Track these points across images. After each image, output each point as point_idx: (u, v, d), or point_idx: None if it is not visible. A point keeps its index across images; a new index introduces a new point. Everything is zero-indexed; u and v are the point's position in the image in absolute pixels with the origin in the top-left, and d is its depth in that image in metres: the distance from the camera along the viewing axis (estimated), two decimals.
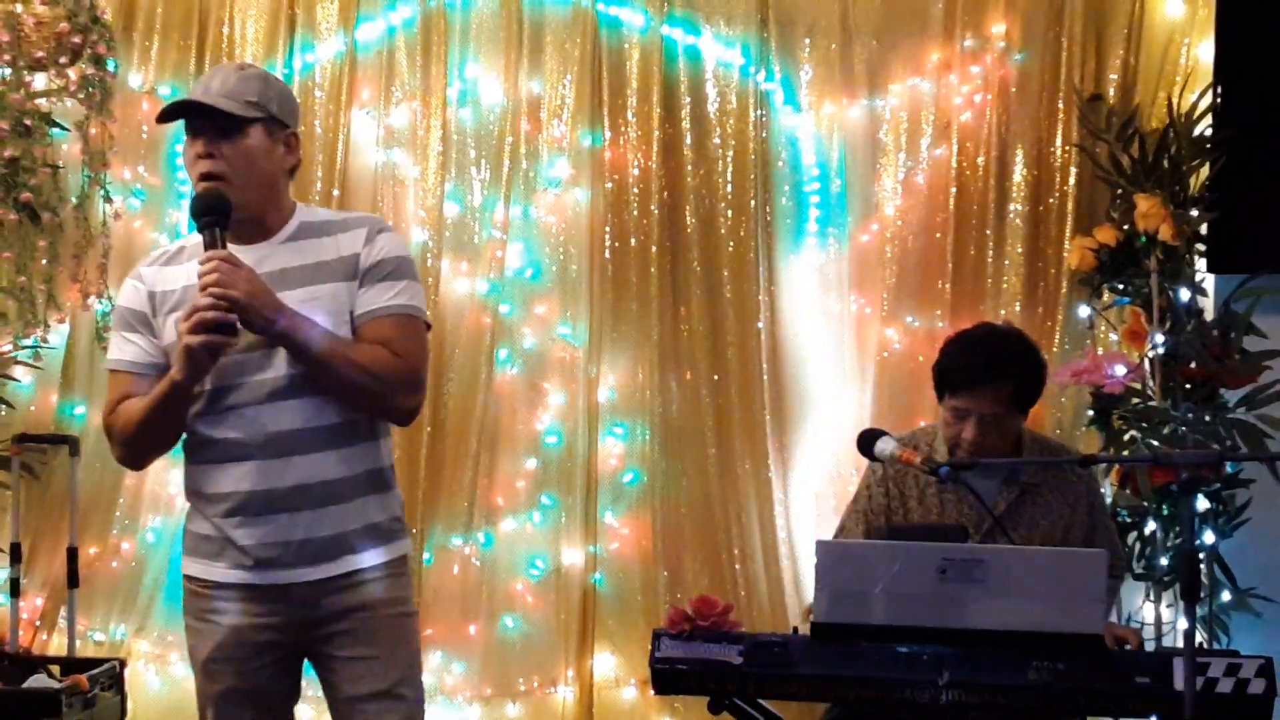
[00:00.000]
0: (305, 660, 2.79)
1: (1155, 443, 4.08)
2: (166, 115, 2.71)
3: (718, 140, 4.72)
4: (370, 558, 2.71)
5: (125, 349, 2.74)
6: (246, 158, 2.65)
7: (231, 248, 2.62)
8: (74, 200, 4.66)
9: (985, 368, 3.22)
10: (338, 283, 2.68)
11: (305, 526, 2.65)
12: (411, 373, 2.71)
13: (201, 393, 2.65)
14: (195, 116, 2.66)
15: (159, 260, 2.80)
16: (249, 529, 2.65)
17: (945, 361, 3.32)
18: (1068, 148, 4.53)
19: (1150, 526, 4.14)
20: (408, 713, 2.73)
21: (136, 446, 2.74)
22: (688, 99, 4.72)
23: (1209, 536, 4.12)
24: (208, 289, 2.50)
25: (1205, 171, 4.28)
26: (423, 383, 2.77)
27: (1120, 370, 4.17)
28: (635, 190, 4.72)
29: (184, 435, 2.73)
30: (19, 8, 4.49)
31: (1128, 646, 3.05)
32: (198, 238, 2.67)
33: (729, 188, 4.70)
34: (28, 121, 4.52)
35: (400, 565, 2.79)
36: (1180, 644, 3.31)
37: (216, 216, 2.60)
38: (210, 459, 2.69)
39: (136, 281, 2.77)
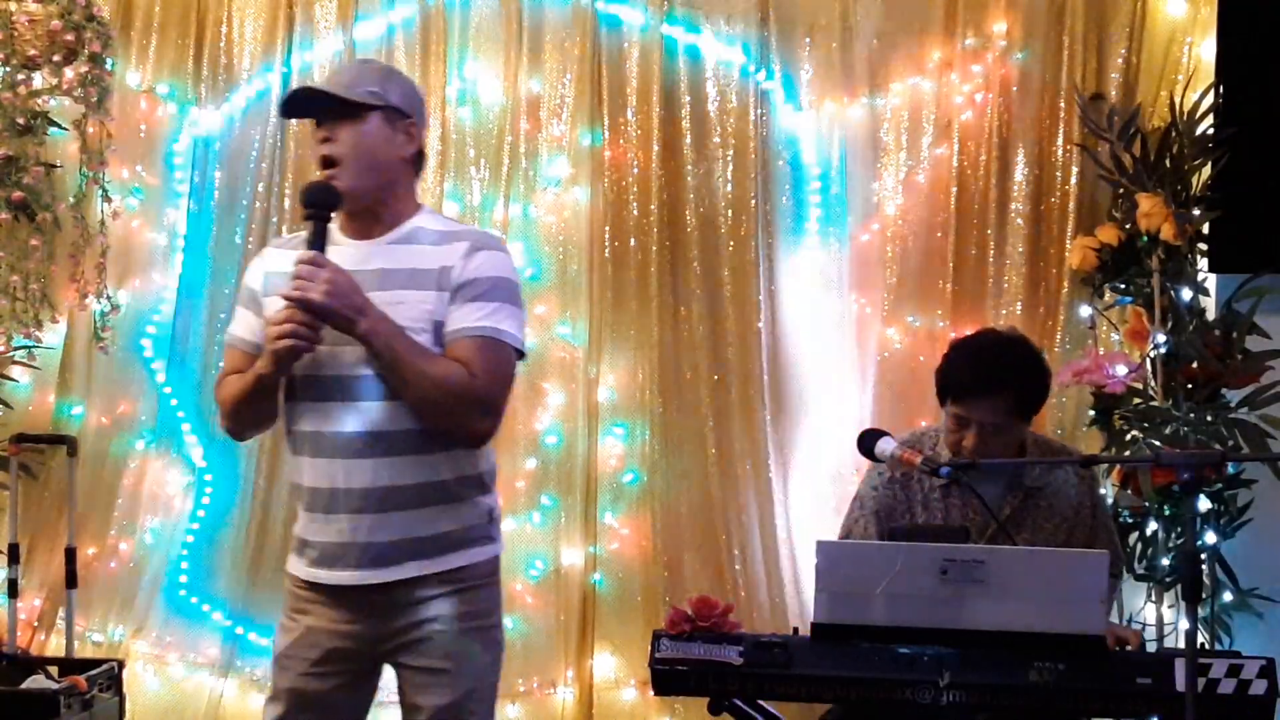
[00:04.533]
0: (381, 675, 2.82)
1: (1157, 443, 4.07)
2: (286, 107, 2.82)
3: (718, 139, 4.71)
4: (439, 564, 2.70)
5: (238, 325, 2.84)
6: (363, 143, 2.68)
7: (339, 243, 2.68)
8: (71, 199, 4.65)
9: (985, 379, 3.20)
10: (427, 291, 2.67)
11: (370, 529, 2.65)
12: (484, 396, 2.68)
13: (291, 381, 2.69)
14: (313, 104, 2.72)
15: (286, 244, 2.87)
16: (318, 525, 2.69)
17: (947, 369, 3.30)
18: (1069, 147, 4.52)
19: (1152, 527, 4.14)
20: None
21: (232, 422, 2.81)
22: (688, 98, 4.71)
23: (1211, 537, 4.12)
24: (286, 293, 2.57)
25: (1207, 171, 4.27)
26: (496, 408, 2.72)
27: (1122, 370, 4.17)
28: (635, 190, 4.70)
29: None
30: (12, 6, 4.48)
31: (1128, 647, 3.04)
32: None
33: (729, 187, 4.69)
34: (20, 120, 4.50)
35: (481, 574, 2.76)
36: (1182, 645, 3.30)
37: (319, 210, 2.64)
38: (296, 450, 2.73)
39: (260, 260, 2.85)
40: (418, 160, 2.82)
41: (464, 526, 2.74)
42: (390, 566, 2.66)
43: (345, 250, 2.67)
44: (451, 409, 2.65)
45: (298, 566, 2.76)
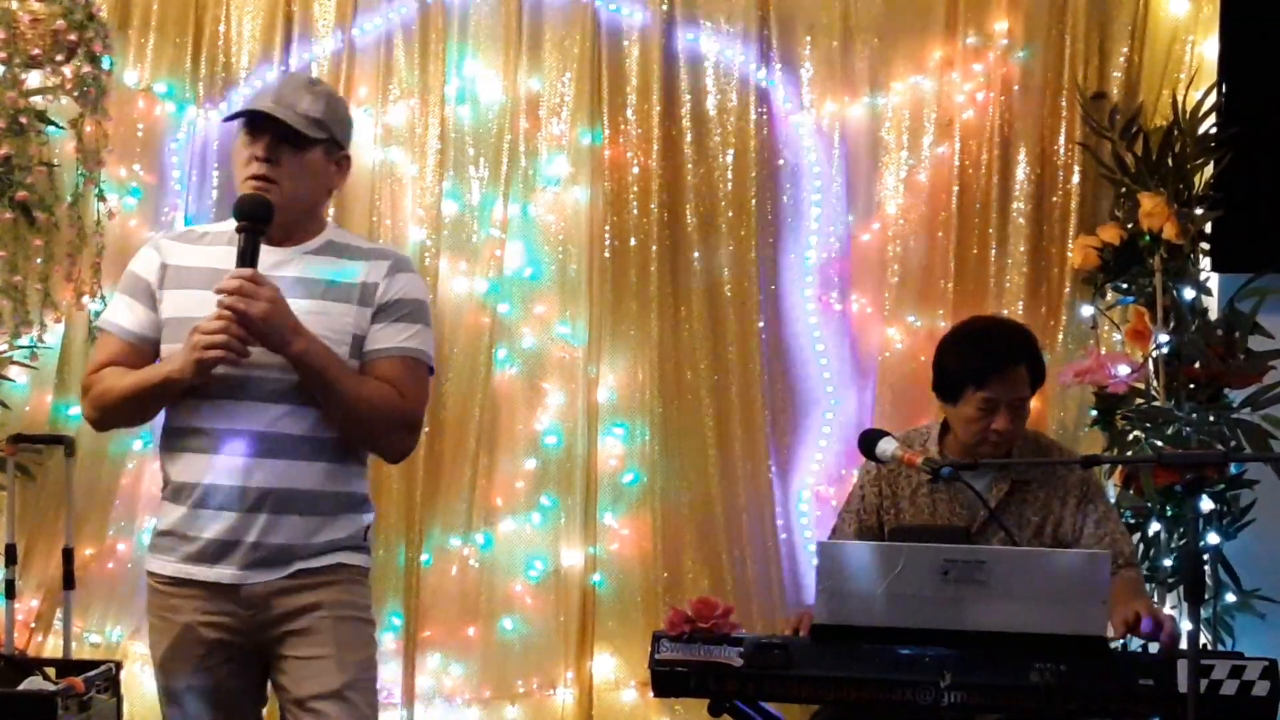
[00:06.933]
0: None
1: (1159, 443, 4.06)
2: (234, 117, 2.76)
3: (718, 139, 4.70)
4: (322, 561, 2.72)
5: (122, 314, 2.78)
6: (302, 173, 2.71)
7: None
8: (69, 199, 4.63)
9: (1005, 354, 3.25)
10: (347, 305, 2.72)
11: (260, 529, 2.66)
12: (411, 415, 2.78)
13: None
14: (260, 121, 2.69)
15: (183, 237, 2.84)
16: (203, 523, 2.67)
17: (963, 358, 3.30)
18: (1071, 146, 4.51)
19: (1154, 527, 4.13)
20: (356, 716, 2.71)
21: (110, 415, 2.78)
22: (688, 97, 4.70)
23: (1213, 537, 4.11)
24: (227, 303, 2.55)
25: (1209, 170, 4.26)
26: (419, 426, 2.84)
27: (1124, 370, 4.16)
28: (635, 189, 4.69)
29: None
30: (15, 4, 4.47)
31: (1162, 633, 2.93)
32: (222, 227, 2.78)
33: (729, 187, 4.68)
34: (23, 119, 4.49)
35: (356, 574, 2.80)
36: (1184, 645, 3.28)
37: (256, 223, 2.64)
38: (179, 446, 2.72)
39: (153, 250, 2.80)
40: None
41: (346, 536, 2.77)
42: (275, 568, 2.68)
43: (263, 255, 2.67)
44: (381, 428, 2.74)
45: (162, 565, 2.74)
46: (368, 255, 2.79)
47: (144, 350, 2.74)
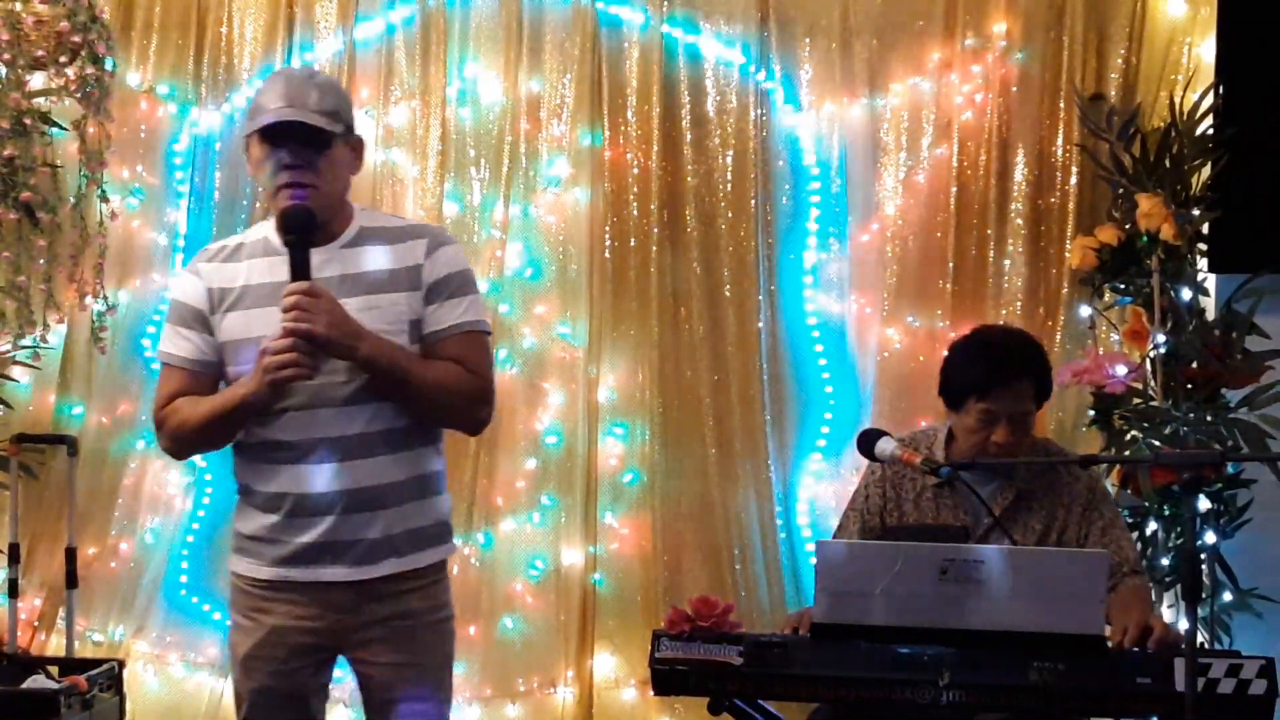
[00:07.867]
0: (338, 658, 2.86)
1: (1156, 443, 4.07)
2: (266, 132, 2.67)
3: (718, 140, 4.71)
4: (411, 562, 2.77)
5: (180, 344, 2.79)
6: (331, 169, 2.70)
7: (282, 252, 2.67)
8: (72, 200, 4.65)
9: (1009, 367, 3.21)
10: (398, 293, 2.73)
11: (354, 529, 2.71)
12: (485, 387, 2.80)
13: None
14: (284, 128, 2.66)
15: (218, 256, 2.82)
16: (298, 530, 2.72)
17: (967, 367, 3.27)
18: (1069, 147, 4.52)
19: (1151, 527, 4.14)
20: (439, 713, 2.83)
21: (190, 445, 2.87)
22: (687, 98, 4.71)
23: (1210, 537, 4.11)
24: (290, 327, 2.56)
25: (1207, 171, 4.27)
26: (493, 395, 2.84)
27: (1121, 370, 4.17)
28: (635, 190, 4.71)
29: None
30: (18, 6, 4.48)
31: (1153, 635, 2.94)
32: (255, 234, 2.80)
33: (729, 188, 4.69)
34: (26, 121, 4.50)
35: (440, 570, 2.86)
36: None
37: (302, 235, 2.63)
38: (263, 459, 2.74)
39: (195, 276, 2.80)
40: None
41: (433, 522, 2.83)
42: (372, 564, 2.73)
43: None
44: (460, 407, 2.77)
45: (253, 568, 2.78)
46: (402, 236, 2.78)
47: (207, 376, 2.78)
